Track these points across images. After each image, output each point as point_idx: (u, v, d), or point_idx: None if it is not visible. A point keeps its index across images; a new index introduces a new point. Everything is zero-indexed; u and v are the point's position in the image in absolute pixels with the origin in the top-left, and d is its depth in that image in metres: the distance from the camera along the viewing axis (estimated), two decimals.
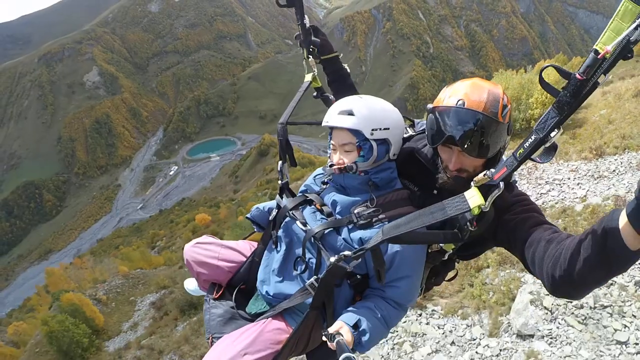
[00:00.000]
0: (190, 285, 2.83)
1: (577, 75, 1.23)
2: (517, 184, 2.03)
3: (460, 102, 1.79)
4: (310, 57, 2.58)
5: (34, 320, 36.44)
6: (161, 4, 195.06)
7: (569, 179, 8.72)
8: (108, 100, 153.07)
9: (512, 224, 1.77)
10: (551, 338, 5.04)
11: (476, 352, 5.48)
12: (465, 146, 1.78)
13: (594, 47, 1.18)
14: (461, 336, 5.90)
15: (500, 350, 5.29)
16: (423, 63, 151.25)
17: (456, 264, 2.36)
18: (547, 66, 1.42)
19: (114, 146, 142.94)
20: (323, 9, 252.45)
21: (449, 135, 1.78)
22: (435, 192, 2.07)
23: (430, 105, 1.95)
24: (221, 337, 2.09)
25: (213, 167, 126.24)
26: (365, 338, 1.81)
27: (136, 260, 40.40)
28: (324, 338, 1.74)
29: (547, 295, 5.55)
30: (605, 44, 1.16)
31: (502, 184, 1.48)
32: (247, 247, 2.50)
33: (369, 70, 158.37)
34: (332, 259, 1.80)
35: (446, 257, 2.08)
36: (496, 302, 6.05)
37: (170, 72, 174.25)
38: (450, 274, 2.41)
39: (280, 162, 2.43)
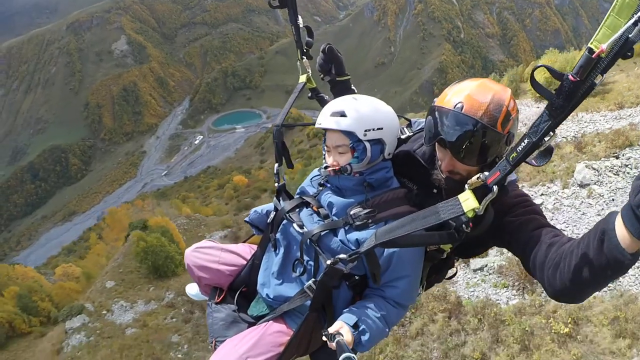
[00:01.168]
0: (192, 290, 2.84)
1: (570, 77, 1.16)
2: (517, 181, 1.99)
3: (459, 105, 1.72)
4: (305, 57, 2.53)
5: (95, 256, 37.51)
6: None
7: (599, 120, 12.33)
8: (136, 68, 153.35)
9: (514, 226, 1.76)
10: (599, 183, 9.03)
11: (556, 198, 9.27)
12: (456, 152, 1.74)
13: (588, 45, 1.11)
14: (544, 194, 9.59)
15: (572, 193, 9.16)
16: (453, 48, 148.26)
17: (455, 261, 2.35)
18: (539, 66, 1.37)
19: (140, 114, 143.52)
20: None
21: (441, 138, 1.75)
22: (434, 190, 2.03)
23: (436, 100, 1.89)
24: (224, 340, 2.09)
25: (238, 138, 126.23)
26: (365, 338, 1.81)
27: (188, 208, 41.30)
28: (324, 338, 1.73)
29: (597, 160, 9.66)
30: (601, 42, 1.09)
31: (495, 188, 1.45)
32: (247, 250, 2.49)
33: (397, 51, 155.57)
34: (328, 262, 1.81)
35: (444, 255, 2.06)
36: (563, 174, 9.85)
37: (198, 43, 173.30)
38: (450, 272, 2.39)
39: (276, 165, 2.40)
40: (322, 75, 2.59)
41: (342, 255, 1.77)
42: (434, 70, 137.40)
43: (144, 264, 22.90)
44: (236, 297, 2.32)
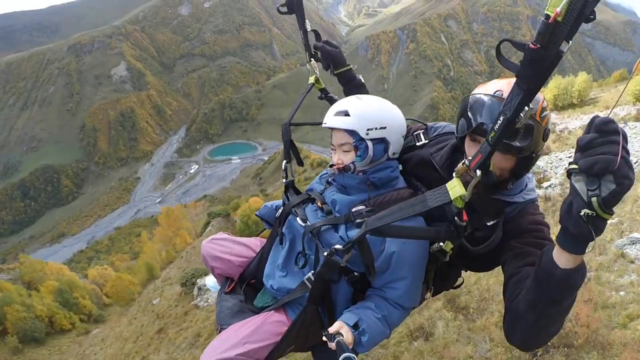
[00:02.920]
0: (210, 281, 3.01)
1: (531, 45, 1.13)
2: (537, 202, 1.95)
3: (498, 92, 1.66)
4: (312, 59, 2.69)
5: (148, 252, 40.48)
6: (191, 8, 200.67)
7: None
8: (134, 95, 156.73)
9: (514, 252, 1.73)
10: None
11: None
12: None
13: (545, 11, 1.08)
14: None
15: None
16: (443, 85, 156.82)
17: (463, 272, 2.39)
18: (503, 41, 1.35)
19: (136, 140, 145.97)
20: (346, 27, 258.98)
21: (480, 123, 1.64)
22: None
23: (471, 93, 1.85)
24: (228, 327, 2.19)
25: (233, 169, 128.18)
26: (365, 338, 1.82)
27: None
28: (324, 338, 1.74)
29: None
30: (555, 7, 1.06)
31: (478, 172, 1.42)
32: (257, 243, 2.62)
33: (390, 88, 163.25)
34: (325, 253, 1.85)
35: (447, 257, 1.92)
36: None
37: (196, 74, 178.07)
38: (458, 282, 2.46)
39: (284, 162, 2.49)
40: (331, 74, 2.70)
41: (337, 246, 1.80)
42: (426, 106, 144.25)
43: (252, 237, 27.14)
44: (243, 287, 2.42)
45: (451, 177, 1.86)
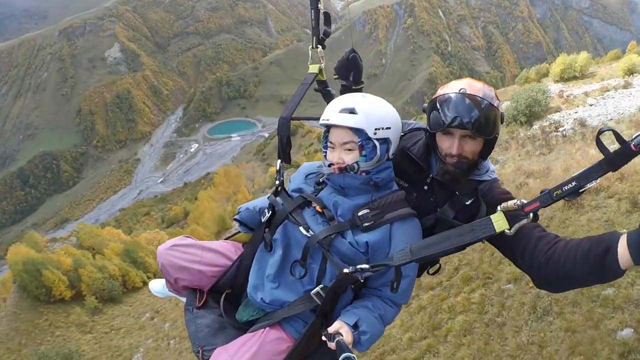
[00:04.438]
0: (156, 286, 2.68)
1: (632, 147, 1.34)
2: (498, 181, 2.16)
3: (462, 89, 1.87)
4: (320, 47, 2.43)
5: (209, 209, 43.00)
6: None
7: (592, 86, 23.53)
8: (129, 76, 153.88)
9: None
10: (597, 103, 20.43)
11: (583, 109, 19.93)
12: (471, 125, 1.82)
13: None
14: (577, 112, 19.96)
15: (587, 107, 20.23)
16: (441, 60, 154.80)
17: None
18: (607, 129, 1.50)
19: (134, 121, 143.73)
20: (341, 1, 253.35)
21: (454, 116, 1.82)
22: (425, 187, 2.14)
23: (425, 105, 2.01)
24: (212, 349, 1.98)
25: (234, 147, 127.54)
26: (365, 337, 1.80)
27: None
28: (323, 338, 1.72)
29: (594, 97, 20.90)
30: None
31: (531, 215, 1.58)
32: (231, 249, 2.35)
33: (389, 63, 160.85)
34: (347, 270, 1.74)
35: None
36: (580, 103, 21.28)
37: (191, 53, 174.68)
38: (434, 268, 2.49)
39: (279, 161, 2.30)
40: (335, 76, 2.53)
41: (364, 266, 1.73)
42: (424, 81, 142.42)
43: None
44: (222, 300, 2.18)
45: (428, 167, 2.14)
